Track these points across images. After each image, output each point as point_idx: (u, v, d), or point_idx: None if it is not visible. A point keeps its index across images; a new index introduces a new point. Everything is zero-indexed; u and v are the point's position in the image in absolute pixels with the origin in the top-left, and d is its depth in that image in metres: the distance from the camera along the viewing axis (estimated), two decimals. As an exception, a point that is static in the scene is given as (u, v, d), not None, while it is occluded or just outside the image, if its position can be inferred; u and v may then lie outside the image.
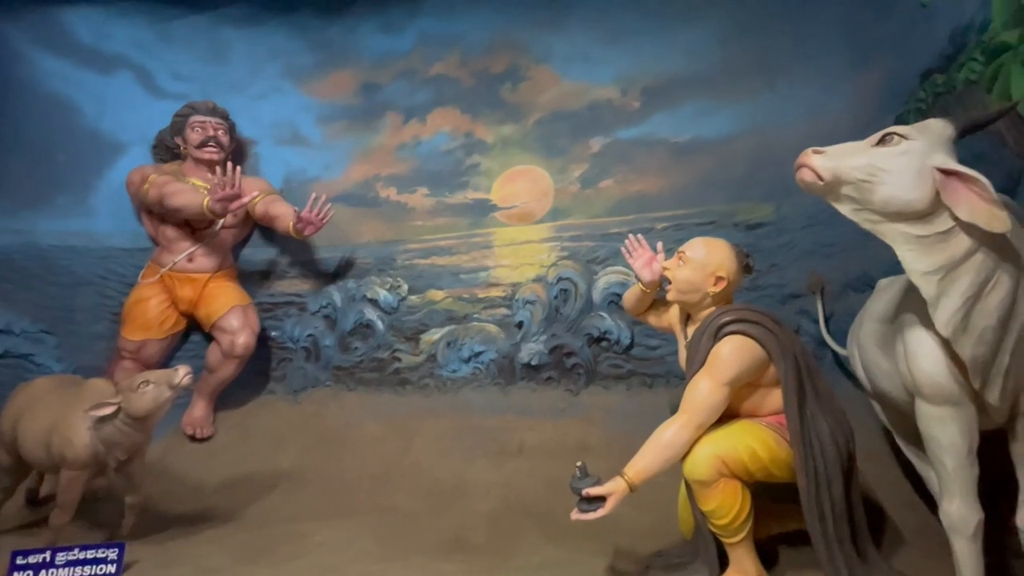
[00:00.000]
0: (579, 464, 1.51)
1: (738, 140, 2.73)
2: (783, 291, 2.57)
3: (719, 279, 1.60)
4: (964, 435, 1.21)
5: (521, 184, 3.03)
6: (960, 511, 1.21)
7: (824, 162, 1.19)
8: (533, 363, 2.78)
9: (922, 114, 2.04)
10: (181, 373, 1.80)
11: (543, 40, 3.09)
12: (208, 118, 2.85)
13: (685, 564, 1.66)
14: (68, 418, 1.80)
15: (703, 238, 1.68)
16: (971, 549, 1.20)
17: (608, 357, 2.73)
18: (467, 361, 2.92)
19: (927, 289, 1.13)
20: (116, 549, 1.84)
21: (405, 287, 3.08)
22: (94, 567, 1.82)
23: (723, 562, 1.57)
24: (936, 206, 1.11)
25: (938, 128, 1.16)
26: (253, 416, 3.03)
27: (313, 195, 2.74)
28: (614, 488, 1.45)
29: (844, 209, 1.21)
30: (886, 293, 1.60)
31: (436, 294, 3.04)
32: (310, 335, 3.14)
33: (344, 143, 3.33)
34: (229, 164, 2.43)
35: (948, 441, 1.22)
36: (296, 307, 3.20)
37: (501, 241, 3.02)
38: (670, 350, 2.65)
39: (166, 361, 2.96)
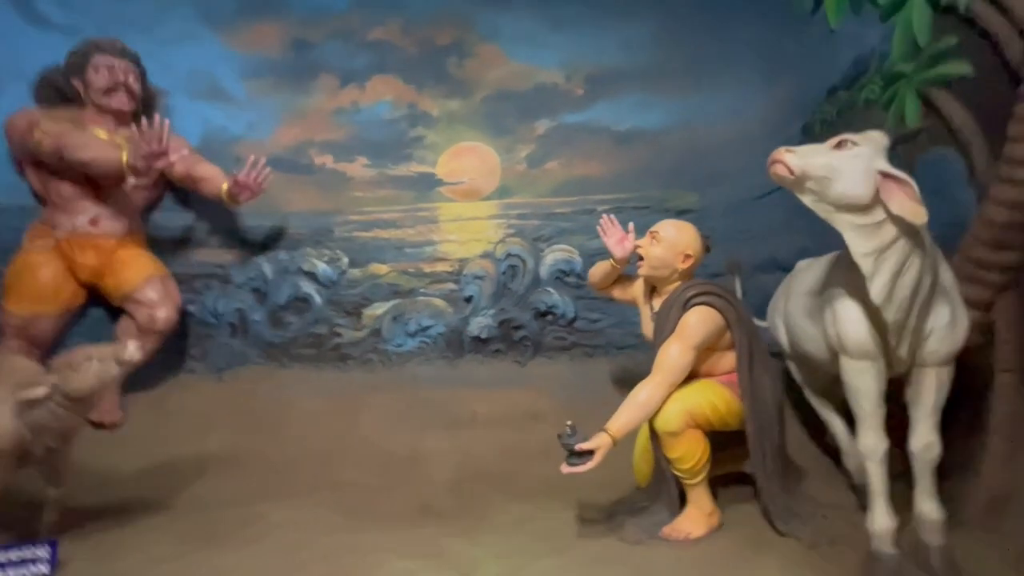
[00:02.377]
0: (569, 423, 1.65)
1: (669, 134, 3.01)
2: (705, 271, 2.90)
3: (687, 257, 1.82)
4: (877, 382, 1.55)
5: (468, 160, 3.05)
6: (873, 441, 1.55)
7: (795, 160, 1.42)
8: (483, 336, 2.87)
9: (827, 124, 2.44)
10: (131, 347, 1.62)
11: (488, 18, 3.10)
12: (117, 60, 2.48)
13: (647, 507, 1.88)
14: (-18, 401, 1.54)
15: (673, 220, 1.89)
16: (880, 470, 1.55)
17: (553, 330, 2.90)
18: (413, 335, 2.92)
19: (865, 267, 1.42)
20: (47, 547, 1.64)
21: (345, 260, 2.98)
22: (20, 569, 1.60)
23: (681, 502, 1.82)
24: (875, 201, 1.40)
25: (879, 138, 1.44)
26: (171, 398, 2.77)
27: (252, 157, 2.54)
28: (600, 442, 1.61)
29: (806, 200, 1.46)
30: (809, 272, 1.93)
31: (379, 268, 2.99)
32: (237, 309, 2.92)
33: (271, 102, 3.09)
34: (156, 116, 2.16)
35: (865, 387, 1.55)
36: (218, 279, 2.95)
37: (447, 216, 3.03)
38: (609, 323, 2.90)
39: (60, 339, 2.58)
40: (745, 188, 2.83)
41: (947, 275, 1.52)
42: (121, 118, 2.54)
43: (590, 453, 1.61)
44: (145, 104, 2.75)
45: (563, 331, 2.90)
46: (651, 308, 1.93)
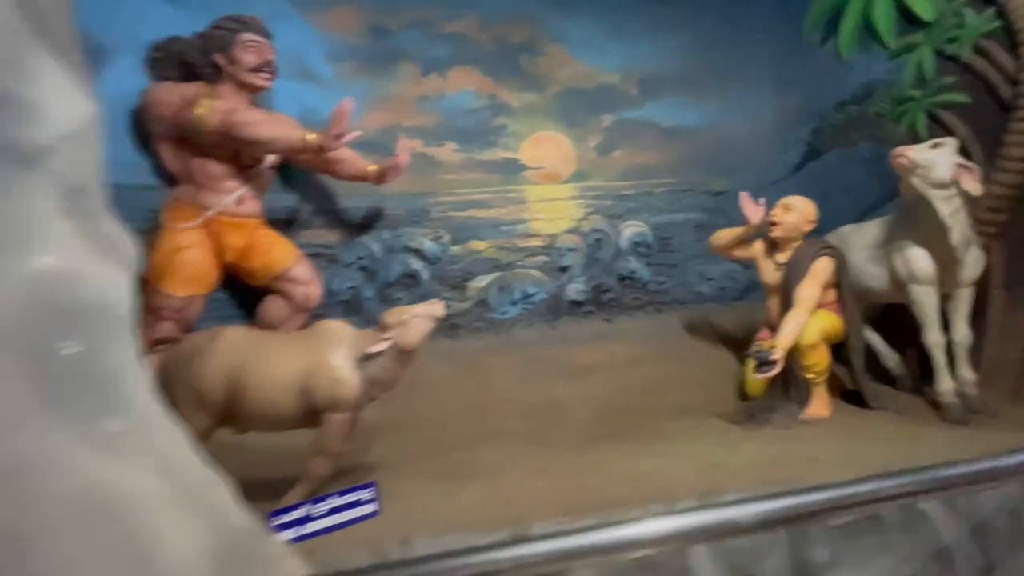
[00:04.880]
0: (759, 342, 2.26)
1: (703, 131, 3.72)
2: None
3: (810, 222, 2.53)
4: (935, 299, 2.40)
5: (547, 148, 3.47)
6: (936, 336, 2.40)
7: (914, 154, 2.18)
8: (578, 300, 3.34)
9: (837, 129, 3.33)
10: (440, 305, 1.85)
11: (556, 22, 3.52)
12: (262, 39, 2.47)
13: (776, 406, 2.57)
14: (330, 360, 1.66)
15: (799, 196, 2.60)
16: (941, 353, 2.40)
17: (631, 292, 3.47)
18: (515, 303, 3.29)
19: (948, 223, 2.23)
20: (370, 488, 1.83)
21: (447, 238, 3.23)
22: (352, 510, 1.78)
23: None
24: (952, 181, 2.21)
25: (954, 142, 2.26)
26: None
27: (402, 140, 2.71)
28: (781, 354, 2.25)
29: (914, 180, 2.23)
30: (861, 233, 2.74)
31: (479, 244, 3.29)
32: (351, 287, 3.03)
33: (357, 86, 3.18)
34: (347, 98, 2.28)
35: (930, 302, 2.40)
36: (325, 259, 3.02)
37: (534, 197, 3.43)
38: (672, 284, 3.55)
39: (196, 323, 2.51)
40: (763, 175, 3.65)
41: (970, 228, 2.42)
42: (254, 96, 2.53)
43: (775, 362, 2.23)
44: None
45: (638, 292, 3.48)
46: (774, 262, 2.61)
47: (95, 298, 1.07)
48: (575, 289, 3.35)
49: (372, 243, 3.10)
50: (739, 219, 3.61)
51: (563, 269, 3.36)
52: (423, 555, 1.45)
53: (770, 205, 3.59)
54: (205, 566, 1.01)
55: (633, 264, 3.45)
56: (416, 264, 3.15)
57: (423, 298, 3.15)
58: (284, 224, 2.92)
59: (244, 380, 1.65)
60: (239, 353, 1.67)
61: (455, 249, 3.24)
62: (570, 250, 3.37)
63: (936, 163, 2.18)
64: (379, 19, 3.23)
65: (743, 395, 2.85)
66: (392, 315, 1.79)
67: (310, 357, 1.68)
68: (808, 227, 2.57)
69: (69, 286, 1.02)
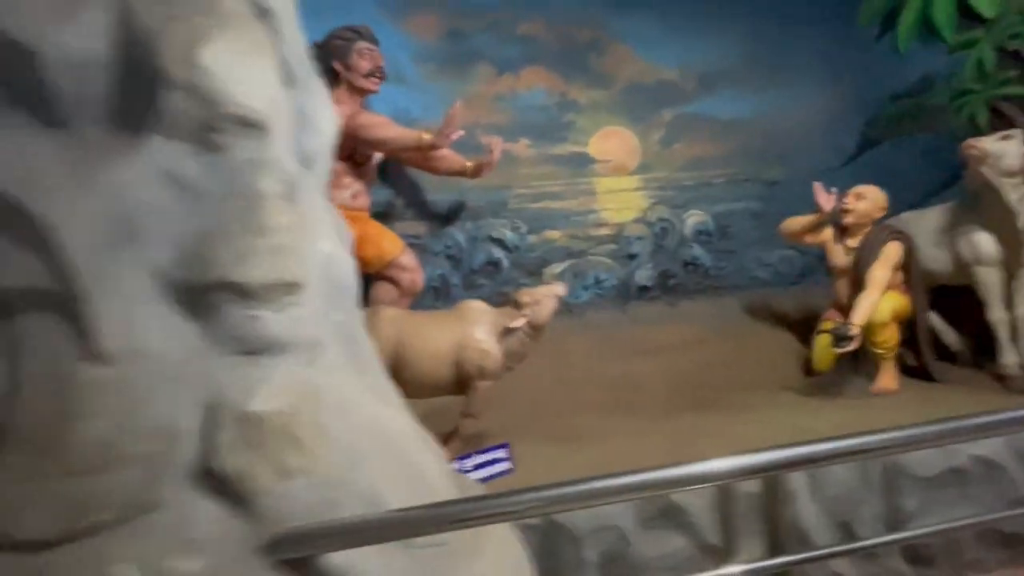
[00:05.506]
0: (844, 321, 2.48)
1: (758, 122, 3.89)
2: (790, 227, 3.88)
3: (882, 209, 2.73)
4: (1000, 279, 2.59)
5: (613, 142, 3.67)
6: (1000, 314, 2.59)
7: (984, 145, 2.37)
8: (647, 285, 3.56)
9: (891, 120, 3.50)
10: (563, 286, 2.09)
11: (618, 22, 3.71)
12: (374, 46, 2.71)
13: (844, 380, 2.78)
14: (477, 334, 1.91)
15: (870, 186, 2.78)
16: (1005, 330, 2.59)
17: (693, 277, 3.68)
18: (587, 288, 3.52)
19: (1017, 208, 2.42)
20: (504, 448, 2.07)
21: (524, 228, 3.46)
22: (490, 468, 2.03)
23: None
24: (1020, 170, 2.39)
25: (1020, 134, 2.44)
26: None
27: (496, 139, 2.94)
28: (858, 331, 2.46)
29: (984, 169, 2.41)
30: (924, 219, 2.93)
31: (553, 234, 3.52)
32: (440, 274, 3.28)
33: (439, 86, 3.41)
34: (458, 101, 2.51)
35: (994, 281, 2.59)
36: (416, 248, 3.25)
37: (602, 189, 3.64)
38: (731, 270, 3.75)
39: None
40: (818, 165, 3.81)
41: (1030, 213, 2.60)
42: (363, 99, 2.77)
43: (853, 338, 2.44)
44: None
45: (700, 277, 3.69)
46: (844, 247, 2.81)
47: (345, 277, 1.33)
48: (643, 275, 3.57)
49: (457, 233, 3.34)
50: (794, 207, 3.80)
51: (631, 256, 3.57)
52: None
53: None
54: (448, 483, 1.27)
55: (696, 251, 3.66)
56: (498, 253, 3.39)
57: (505, 284, 3.43)
58: (380, 216, 3.16)
59: (404, 352, 1.90)
60: (398, 330, 1.92)
61: (532, 238, 3.47)
62: (638, 238, 3.59)
63: (1006, 153, 2.37)
64: (456, 22, 3.45)
65: (808, 371, 3.06)
66: (525, 295, 2.03)
67: (459, 333, 1.92)
68: (879, 214, 2.77)
69: (335, 267, 1.27)
